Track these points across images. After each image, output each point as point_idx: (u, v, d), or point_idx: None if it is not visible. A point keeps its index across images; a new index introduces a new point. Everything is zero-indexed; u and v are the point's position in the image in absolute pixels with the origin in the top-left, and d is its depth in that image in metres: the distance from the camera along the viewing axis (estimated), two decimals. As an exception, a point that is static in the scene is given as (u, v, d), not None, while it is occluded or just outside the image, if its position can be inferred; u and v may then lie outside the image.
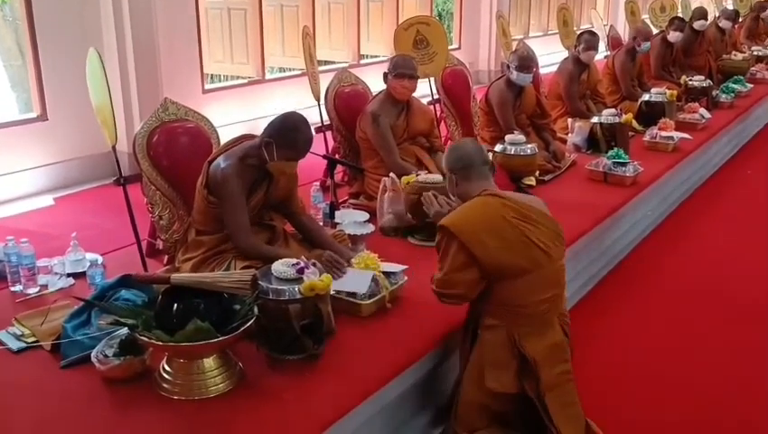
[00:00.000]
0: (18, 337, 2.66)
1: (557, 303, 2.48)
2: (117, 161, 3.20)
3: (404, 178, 3.66)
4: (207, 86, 6.71)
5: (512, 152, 4.12)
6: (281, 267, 2.47)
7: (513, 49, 5.29)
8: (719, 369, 3.25)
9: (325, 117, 4.36)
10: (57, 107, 5.30)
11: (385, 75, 4.06)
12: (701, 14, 7.75)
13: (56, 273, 3.24)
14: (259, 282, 2.41)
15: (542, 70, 6.50)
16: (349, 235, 3.28)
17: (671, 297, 3.99)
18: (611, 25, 9.33)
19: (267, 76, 7.41)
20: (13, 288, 3.13)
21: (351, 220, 3.57)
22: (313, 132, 2.83)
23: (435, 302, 2.86)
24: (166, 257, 3.24)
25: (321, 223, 3.75)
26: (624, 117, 5.22)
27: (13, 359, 2.54)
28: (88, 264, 3.15)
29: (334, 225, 3.45)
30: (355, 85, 4.55)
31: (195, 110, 3.43)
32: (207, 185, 2.82)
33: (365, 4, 8.70)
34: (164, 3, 5.80)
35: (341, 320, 2.65)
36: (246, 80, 7.19)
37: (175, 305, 2.28)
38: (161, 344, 2.21)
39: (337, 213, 3.60)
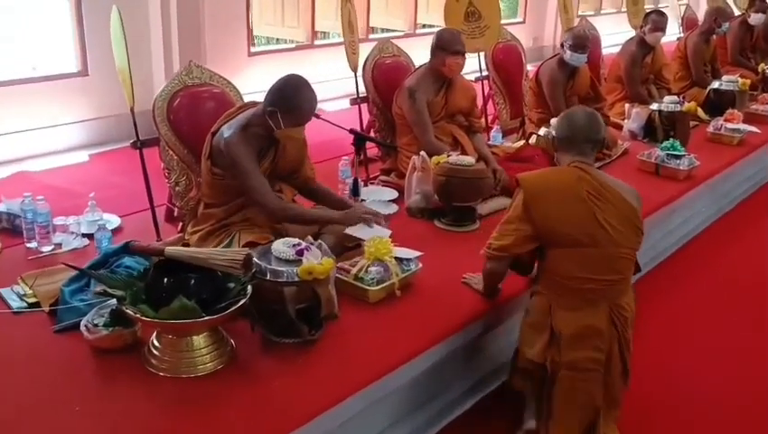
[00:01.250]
0: (21, 296, 2.64)
1: (609, 289, 2.40)
2: (135, 124, 3.13)
3: (434, 158, 3.48)
4: (253, 49, 6.60)
5: (557, 136, 3.87)
6: (281, 246, 2.36)
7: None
8: (759, 384, 3.00)
9: (362, 88, 4.19)
10: (98, 62, 5.25)
11: (433, 50, 3.84)
12: (787, -5, 7.18)
13: (72, 232, 3.22)
14: (257, 261, 2.30)
15: (610, 51, 6.14)
16: (370, 214, 3.13)
17: (717, 301, 3.73)
18: (687, 4, 8.77)
19: (318, 41, 7.25)
20: (28, 245, 3.12)
21: (377, 198, 3.44)
22: (316, 95, 2.73)
23: (448, 291, 2.76)
24: (180, 224, 3.17)
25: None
26: (687, 105, 4.87)
27: (10, 319, 2.52)
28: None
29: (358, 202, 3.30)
30: (397, 57, 4.35)
31: (221, 75, 3.32)
32: (210, 156, 2.75)
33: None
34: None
35: (346, 305, 2.53)
36: (293, 45, 7.06)
37: (165, 279, 2.19)
38: (146, 319, 2.12)
39: (365, 190, 3.47)
